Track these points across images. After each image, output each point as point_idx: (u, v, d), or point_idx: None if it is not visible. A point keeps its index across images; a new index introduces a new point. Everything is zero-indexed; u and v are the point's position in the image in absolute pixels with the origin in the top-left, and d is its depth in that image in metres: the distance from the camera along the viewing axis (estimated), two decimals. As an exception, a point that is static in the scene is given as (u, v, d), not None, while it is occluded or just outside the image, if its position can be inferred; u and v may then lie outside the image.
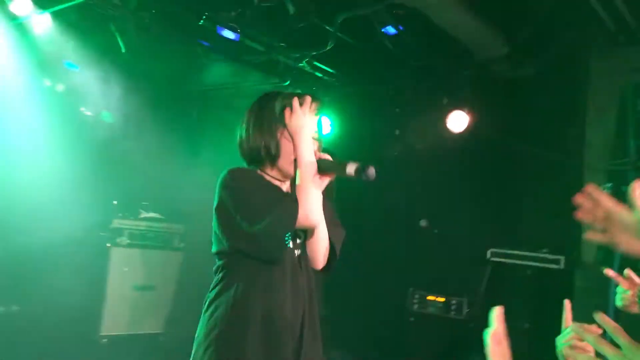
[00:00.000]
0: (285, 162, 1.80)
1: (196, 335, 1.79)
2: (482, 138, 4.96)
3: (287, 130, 1.78)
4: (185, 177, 5.90)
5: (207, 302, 1.80)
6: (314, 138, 1.82)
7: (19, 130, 5.04)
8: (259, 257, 1.70)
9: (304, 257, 1.83)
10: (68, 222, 4.97)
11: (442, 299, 4.78)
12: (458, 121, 4.91)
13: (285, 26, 4.39)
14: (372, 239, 5.38)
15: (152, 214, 5.86)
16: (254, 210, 1.67)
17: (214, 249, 1.82)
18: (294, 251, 1.79)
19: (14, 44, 4.65)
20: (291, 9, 4.00)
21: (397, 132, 5.53)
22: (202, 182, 5.85)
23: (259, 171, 1.83)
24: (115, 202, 5.64)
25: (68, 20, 4.48)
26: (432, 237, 5.30)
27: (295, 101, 1.81)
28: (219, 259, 1.81)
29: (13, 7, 3.99)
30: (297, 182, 1.74)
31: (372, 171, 1.67)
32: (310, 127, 1.79)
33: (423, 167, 5.29)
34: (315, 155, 1.78)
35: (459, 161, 5.08)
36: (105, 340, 5.13)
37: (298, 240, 1.82)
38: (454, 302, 4.71)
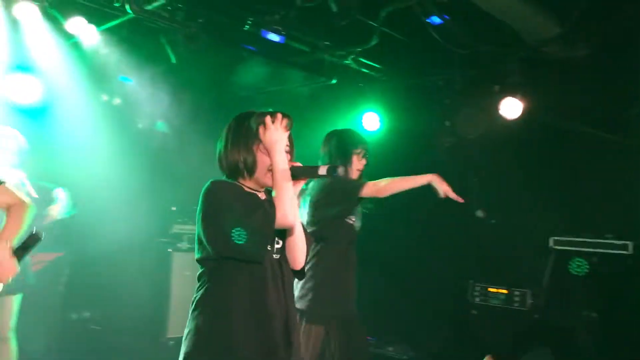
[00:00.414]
0: (261, 173, 1.98)
1: (184, 336, 1.92)
2: (538, 123, 4.82)
3: (262, 144, 1.96)
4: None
5: (193, 304, 1.94)
6: (286, 151, 2.00)
7: (81, 145, 5.28)
8: (244, 259, 1.86)
9: (283, 261, 2.00)
10: (131, 229, 5.17)
11: (504, 291, 4.68)
12: (511, 108, 4.79)
13: (328, 25, 4.41)
14: (428, 232, 5.32)
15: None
16: (237, 217, 1.84)
17: (197, 255, 1.95)
18: (273, 256, 1.97)
19: (70, 62, 4.86)
20: (334, 7, 4.01)
21: (447, 123, 5.44)
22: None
23: (237, 183, 2.01)
24: (174, 209, 5.81)
25: (120, 35, 4.64)
26: (490, 228, 5.19)
27: (268, 118, 1.97)
28: (203, 265, 1.96)
29: (68, 27, 4.16)
30: (274, 188, 1.93)
31: (341, 169, 1.96)
32: (283, 141, 1.97)
33: (477, 157, 5.19)
34: (287, 164, 1.97)
35: (514, 148, 4.95)
36: (173, 342, 5.29)
37: (277, 246, 1.99)
38: (517, 293, 4.61)
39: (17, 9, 3.84)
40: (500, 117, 4.83)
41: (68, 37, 4.43)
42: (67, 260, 4.91)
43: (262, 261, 1.89)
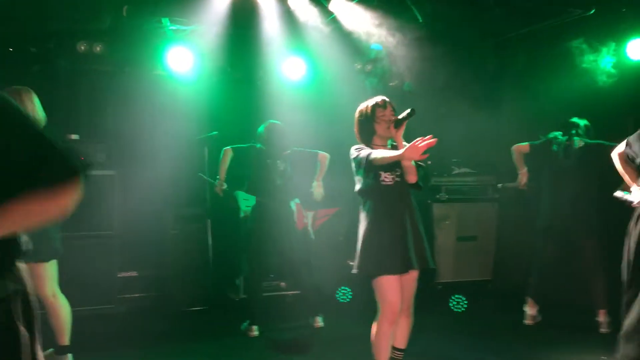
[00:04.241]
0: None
1: None
2: None
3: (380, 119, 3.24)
4: (489, 130, 6.03)
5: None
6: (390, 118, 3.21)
7: (342, 111, 5.87)
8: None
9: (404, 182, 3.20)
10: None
11: None
12: None
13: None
14: None
15: (463, 170, 6.16)
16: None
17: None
18: (396, 179, 3.19)
19: (329, 36, 5.43)
20: None
21: None
22: (505, 132, 5.92)
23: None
24: (429, 162, 6.09)
25: (370, 5, 5.01)
26: None
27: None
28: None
29: (330, 6, 4.68)
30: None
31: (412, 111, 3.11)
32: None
33: None
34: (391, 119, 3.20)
35: None
36: (440, 286, 5.66)
37: (398, 173, 3.18)
38: None
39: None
40: None
41: (328, 14, 4.97)
42: (345, 214, 5.57)
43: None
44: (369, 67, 6.25)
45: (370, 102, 3.27)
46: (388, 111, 3.21)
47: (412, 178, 3.17)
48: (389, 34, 5.51)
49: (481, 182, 6.15)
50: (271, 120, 4.73)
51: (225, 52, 5.24)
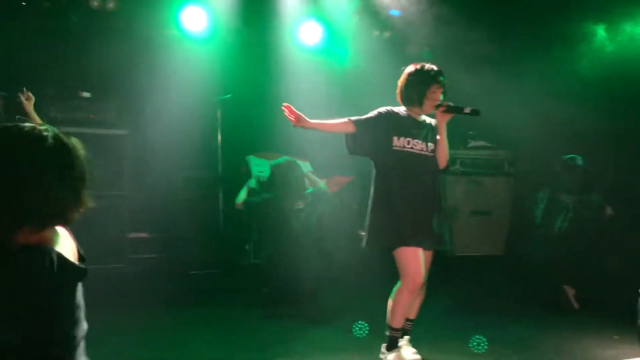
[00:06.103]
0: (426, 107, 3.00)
1: None
2: None
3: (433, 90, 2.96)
4: (508, 104, 5.88)
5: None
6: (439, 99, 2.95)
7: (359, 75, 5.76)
8: None
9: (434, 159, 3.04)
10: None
11: None
12: None
13: None
14: None
15: (480, 142, 6.04)
16: None
17: None
18: (428, 155, 3.01)
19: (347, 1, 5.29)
20: None
21: None
22: (525, 108, 5.76)
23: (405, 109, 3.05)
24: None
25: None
26: None
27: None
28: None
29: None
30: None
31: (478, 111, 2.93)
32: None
33: None
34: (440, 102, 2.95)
35: None
36: (453, 260, 5.61)
37: (431, 148, 3.02)
38: None
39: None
40: None
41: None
42: (359, 184, 5.50)
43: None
44: (387, 33, 6.09)
45: (432, 70, 2.94)
46: (440, 91, 2.94)
47: (443, 160, 3.03)
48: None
49: (497, 156, 6.03)
50: (275, 162, 4.42)
51: (240, 13, 5.12)
